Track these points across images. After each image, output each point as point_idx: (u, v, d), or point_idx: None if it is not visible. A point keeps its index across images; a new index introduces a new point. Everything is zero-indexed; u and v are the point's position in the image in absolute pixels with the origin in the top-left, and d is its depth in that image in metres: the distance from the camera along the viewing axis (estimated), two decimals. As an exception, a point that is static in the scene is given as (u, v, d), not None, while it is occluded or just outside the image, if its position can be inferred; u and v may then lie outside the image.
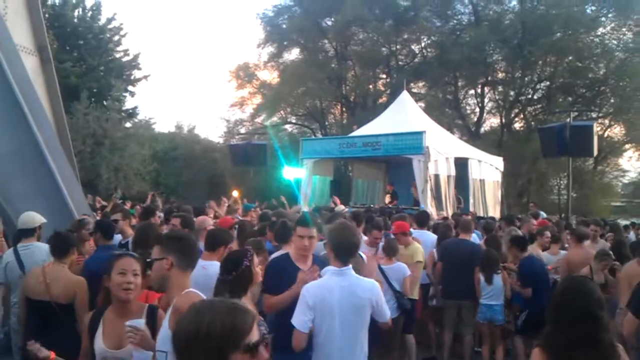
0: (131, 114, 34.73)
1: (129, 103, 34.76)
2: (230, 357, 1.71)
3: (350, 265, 4.06)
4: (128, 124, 33.20)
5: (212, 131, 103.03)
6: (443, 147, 15.97)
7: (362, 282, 4.02)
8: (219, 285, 3.75)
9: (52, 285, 4.52)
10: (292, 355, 3.86)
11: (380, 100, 33.61)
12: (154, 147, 33.26)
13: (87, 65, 30.74)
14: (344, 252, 4.02)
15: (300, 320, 3.79)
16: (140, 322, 3.07)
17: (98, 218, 8.57)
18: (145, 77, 35.51)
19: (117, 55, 34.16)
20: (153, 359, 3.02)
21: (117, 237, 6.28)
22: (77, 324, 4.31)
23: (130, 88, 34.81)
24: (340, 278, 3.93)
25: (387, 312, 4.08)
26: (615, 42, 29.92)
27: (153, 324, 3.25)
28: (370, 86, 35.99)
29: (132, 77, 35.12)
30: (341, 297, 3.86)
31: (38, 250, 5.28)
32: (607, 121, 30.91)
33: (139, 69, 35.30)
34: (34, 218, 5.69)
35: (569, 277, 3.58)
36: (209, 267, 4.68)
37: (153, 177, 32.54)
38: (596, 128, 16.98)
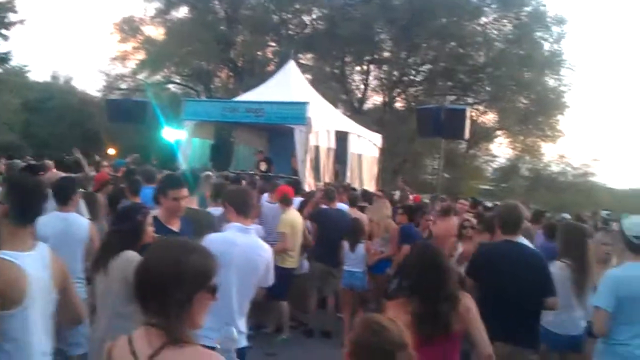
0: (3, 59, 32.52)
1: (1, 47, 32.52)
2: (196, 296, 1.80)
3: (253, 225, 4.30)
4: (-1, 70, 31.17)
5: (90, 84, 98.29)
6: (325, 119, 16.10)
7: (260, 242, 4.21)
8: (110, 236, 3.82)
9: None
10: None
11: (268, 68, 33.33)
12: (27, 96, 31.38)
13: (-46, 3, 28.44)
14: (245, 208, 4.22)
15: None
16: None
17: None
18: (21, 21, 33.23)
19: (-10, -5, 31.78)
20: None
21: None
22: None
23: (3, 31, 32.50)
24: (242, 234, 4.06)
25: (272, 279, 4.20)
26: (496, 32, 31.45)
27: None
28: (259, 53, 35.62)
29: (5, 20, 32.74)
30: (240, 252, 3.96)
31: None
32: (481, 107, 32.52)
33: (15, 12, 32.95)
34: None
35: (422, 243, 3.82)
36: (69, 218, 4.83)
37: (24, 128, 30.74)
38: (471, 113, 17.77)
